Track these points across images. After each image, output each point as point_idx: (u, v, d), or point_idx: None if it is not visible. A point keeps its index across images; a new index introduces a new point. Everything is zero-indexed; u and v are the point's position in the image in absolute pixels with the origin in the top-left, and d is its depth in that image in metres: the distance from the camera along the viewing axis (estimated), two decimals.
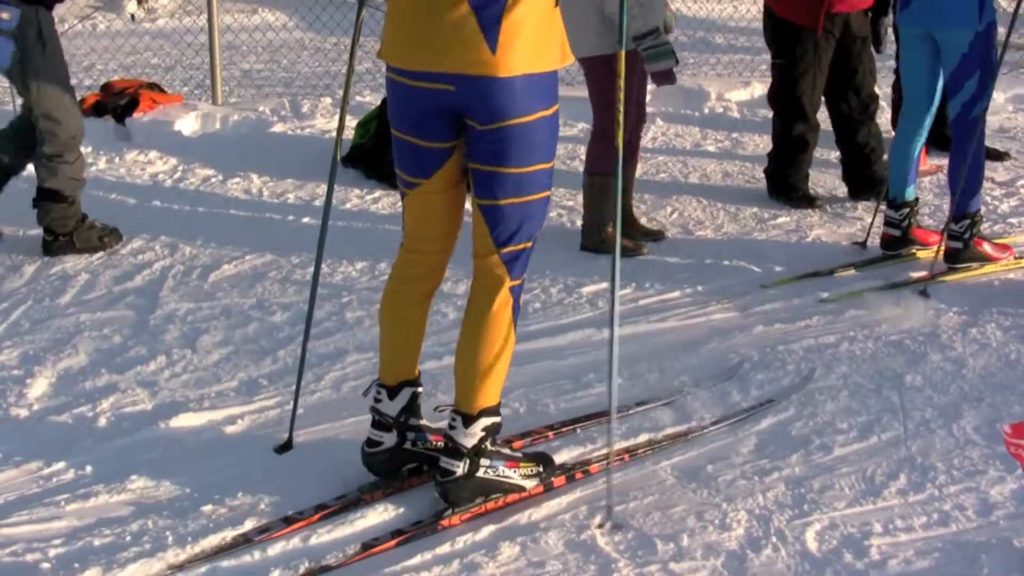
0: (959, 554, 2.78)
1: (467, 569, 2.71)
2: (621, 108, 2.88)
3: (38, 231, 4.87)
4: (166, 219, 5.37)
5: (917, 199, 4.89)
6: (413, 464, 3.07)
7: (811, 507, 2.97)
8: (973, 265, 4.70)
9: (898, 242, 4.87)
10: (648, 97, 5.99)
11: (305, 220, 5.38)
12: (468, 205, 2.91)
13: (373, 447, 3.03)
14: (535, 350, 3.90)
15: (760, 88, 7.41)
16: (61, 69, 4.70)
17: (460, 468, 2.89)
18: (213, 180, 6.02)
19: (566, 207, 5.50)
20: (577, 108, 6.16)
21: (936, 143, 6.05)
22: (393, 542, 2.79)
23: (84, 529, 2.84)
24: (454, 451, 2.90)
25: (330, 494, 2.98)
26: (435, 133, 2.79)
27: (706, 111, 7.51)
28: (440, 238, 2.94)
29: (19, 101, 6.72)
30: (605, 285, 4.50)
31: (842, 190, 5.80)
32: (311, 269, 3.42)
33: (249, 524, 2.86)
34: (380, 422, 3.02)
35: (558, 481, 3.06)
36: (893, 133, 5.83)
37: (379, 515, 2.91)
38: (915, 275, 4.66)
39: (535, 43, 2.68)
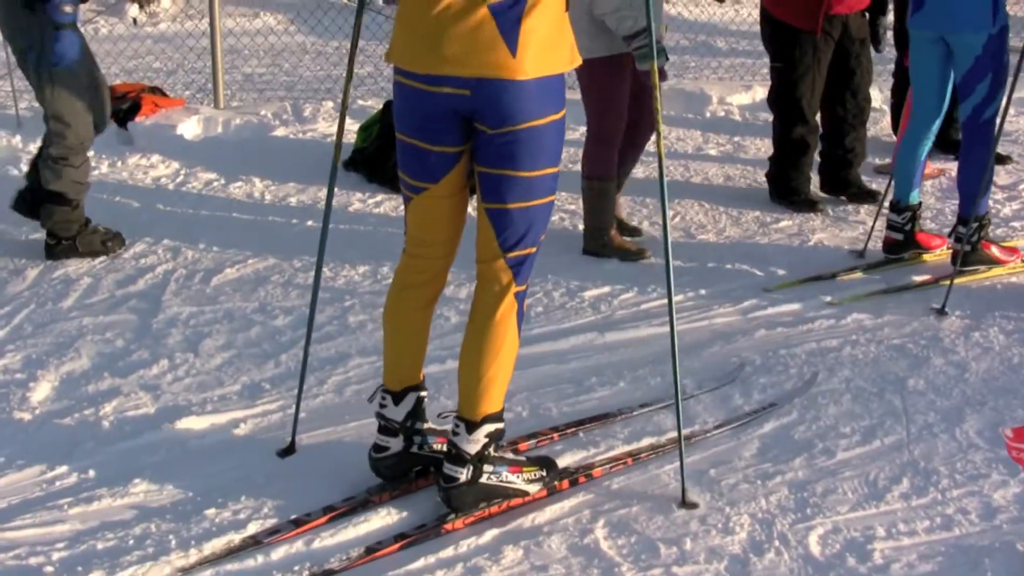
0: (962, 558, 2.78)
1: (470, 573, 2.71)
2: (660, 117, 3.03)
3: (41, 235, 4.86)
4: (168, 223, 5.36)
5: (920, 203, 4.89)
6: (420, 467, 3.08)
7: (814, 511, 2.97)
8: (980, 268, 4.69)
9: (901, 246, 4.86)
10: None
11: (307, 224, 5.38)
12: (470, 210, 2.92)
13: (380, 452, 3.03)
14: (537, 354, 3.90)
15: (762, 92, 7.40)
16: (78, 72, 4.65)
17: (463, 474, 2.89)
18: (215, 184, 6.02)
19: (568, 211, 5.50)
20: (580, 111, 6.14)
21: (939, 146, 6.04)
22: (396, 546, 2.79)
23: (87, 533, 2.84)
24: (457, 457, 2.90)
25: (333, 497, 2.98)
26: (444, 137, 2.77)
27: (708, 115, 7.51)
28: (444, 243, 2.93)
29: (22, 104, 6.81)
30: (607, 289, 4.50)
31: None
32: (313, 273, 3.43)
33: (252, 528, 2.86)
34: (386, 427, 3.02)
35: (561, 485, 3.06)
36: (894, 138, 5.84)
37: (383, 519, 2.92)
38: (918, 279, 4.66)
39: (548, 45, 2.68)
